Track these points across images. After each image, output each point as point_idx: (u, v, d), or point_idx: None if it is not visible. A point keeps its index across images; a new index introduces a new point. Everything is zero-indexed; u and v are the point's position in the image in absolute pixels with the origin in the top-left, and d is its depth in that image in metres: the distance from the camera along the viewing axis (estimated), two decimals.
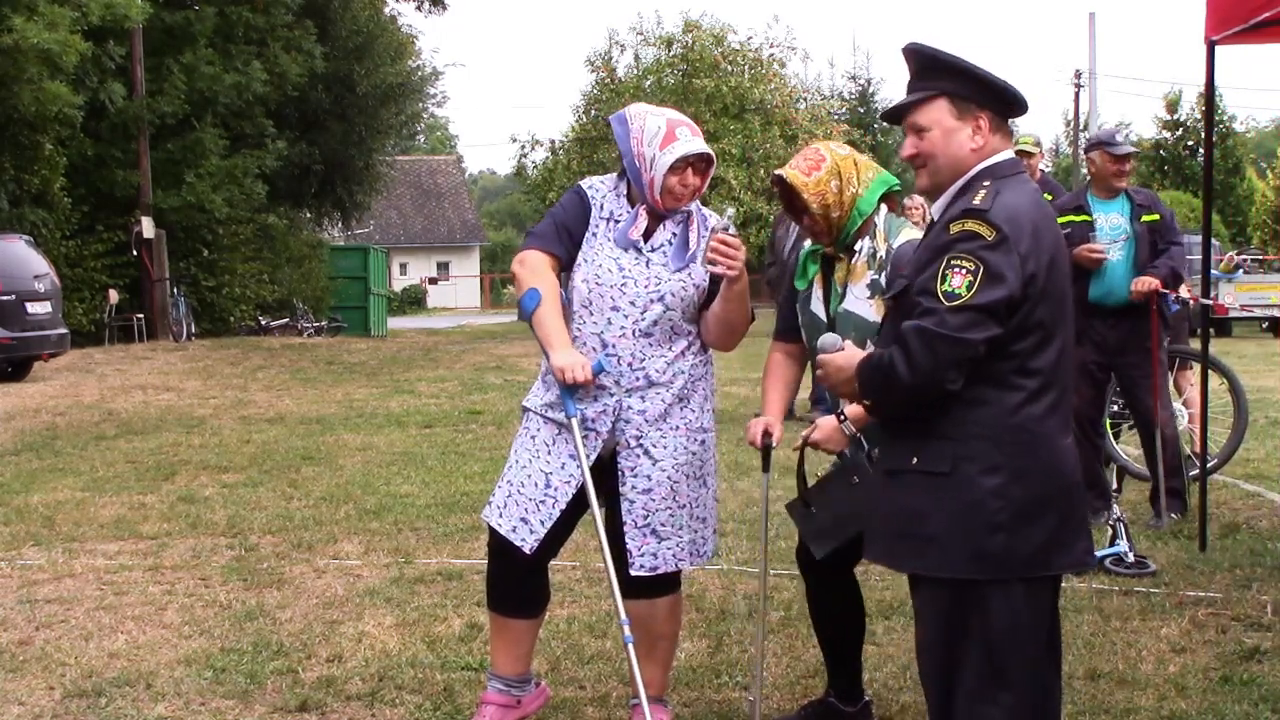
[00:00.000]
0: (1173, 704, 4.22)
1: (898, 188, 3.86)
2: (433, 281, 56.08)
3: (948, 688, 3.01)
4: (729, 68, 31.58)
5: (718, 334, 3.95)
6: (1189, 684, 4.40)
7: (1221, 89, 46.37)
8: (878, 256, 3.77)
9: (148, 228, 22.09)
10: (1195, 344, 7.21)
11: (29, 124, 19.31)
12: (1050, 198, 7.18)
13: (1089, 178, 7.17)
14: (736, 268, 3.73)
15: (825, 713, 4.10)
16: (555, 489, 3.86)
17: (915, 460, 2.97)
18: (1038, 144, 7.94)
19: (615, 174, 4.03)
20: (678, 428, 3.90)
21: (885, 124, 36.24)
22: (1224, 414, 8.13)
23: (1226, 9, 5.91)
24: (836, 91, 48.50)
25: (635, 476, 3.88)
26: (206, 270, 24.32)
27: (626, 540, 3.88)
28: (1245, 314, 24.18)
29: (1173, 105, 46.18)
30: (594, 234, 3.92)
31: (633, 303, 3.84)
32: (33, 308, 15.26)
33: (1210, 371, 6.99)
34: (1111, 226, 6.84)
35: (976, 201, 2.93)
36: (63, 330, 16.08)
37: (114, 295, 21.29)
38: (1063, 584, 3.18)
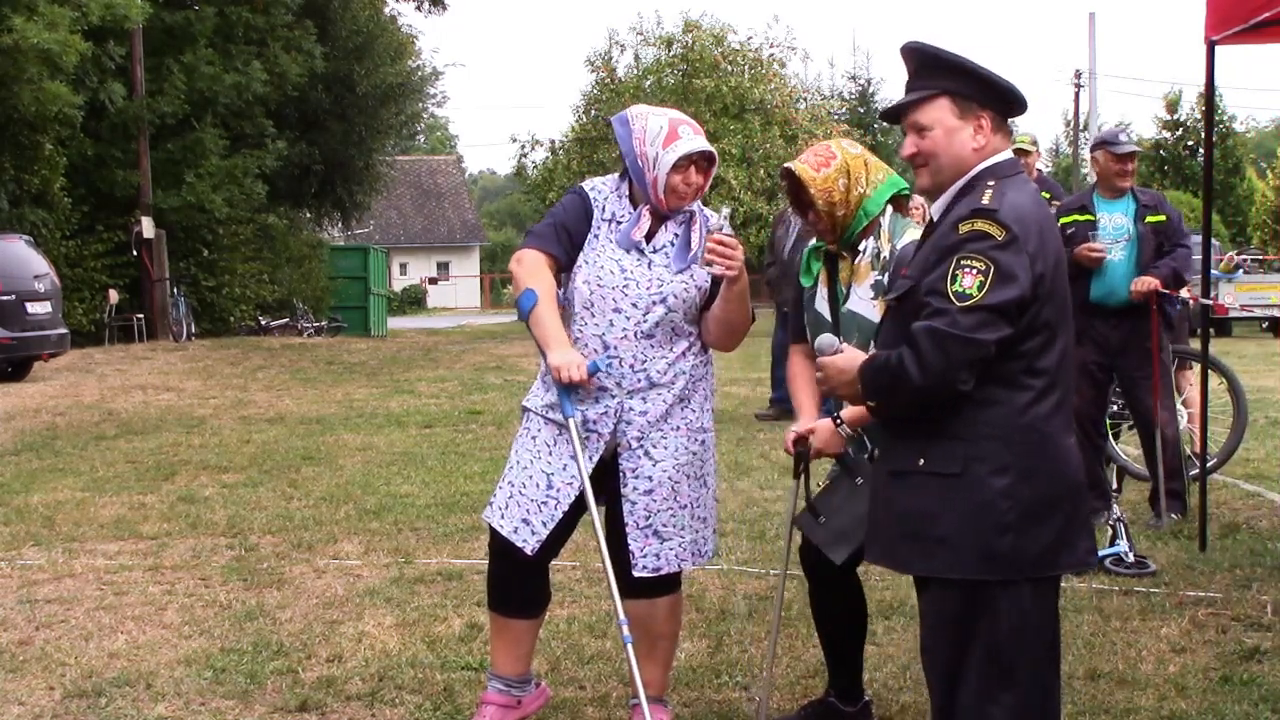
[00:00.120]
0: (1173, 704, 4.22)
1: (906, 192, 3.83)
2: (433, 281, 56.09)
3: (952, 688, 3.00)
4: (729, 68, 31.57)
5: (719, 334, 3.95)
6: (1189, 684, 4.40)
7: (1221, 89, 46.39)
8: (881, 257, 3.77)
9: (148, 228, 22.09)
10: (1195, 344, 7.21)
11: (29, 124, 19.31)
12: (1048, 196, 7.18)
13: (1095, 178, 7.17)
14: (735, 267, 3.72)
15: (825, 712, 4.10)
16: (557, 490, 3.86)
17: (923, 461, 2.95)
18: (1034, 143, 7.94)
19: (617, 175, 4.02)
20: (678, 428, 3.90)
21: (885, 124, 36.29)
22: (1224, 414, 8.13)
23: (1226, 9, 5.91)
24: (836, 91, 48.54)
25: (637, 478, 3.88)
26: (206, 270, 24.32)
27: (629, 542, 3.88)
28: (1245, 314, 24.17)
29: (1173, 105, 46.18)
30: (596, 235, 3.91)
31: (635, 304, 3.84)
32: (33, 308, 15.26)
33: (1210, 371, 7.00)
34: (1115, 227, 6.84)
35: (985, 201, 2.92)
36: (63, 330, 16.08)
37: (114, 295, 21.29)
38: (1063, 584, 3.18)
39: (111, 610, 5.46)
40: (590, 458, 3.87)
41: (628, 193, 3.95)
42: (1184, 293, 7.01)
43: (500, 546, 3.94)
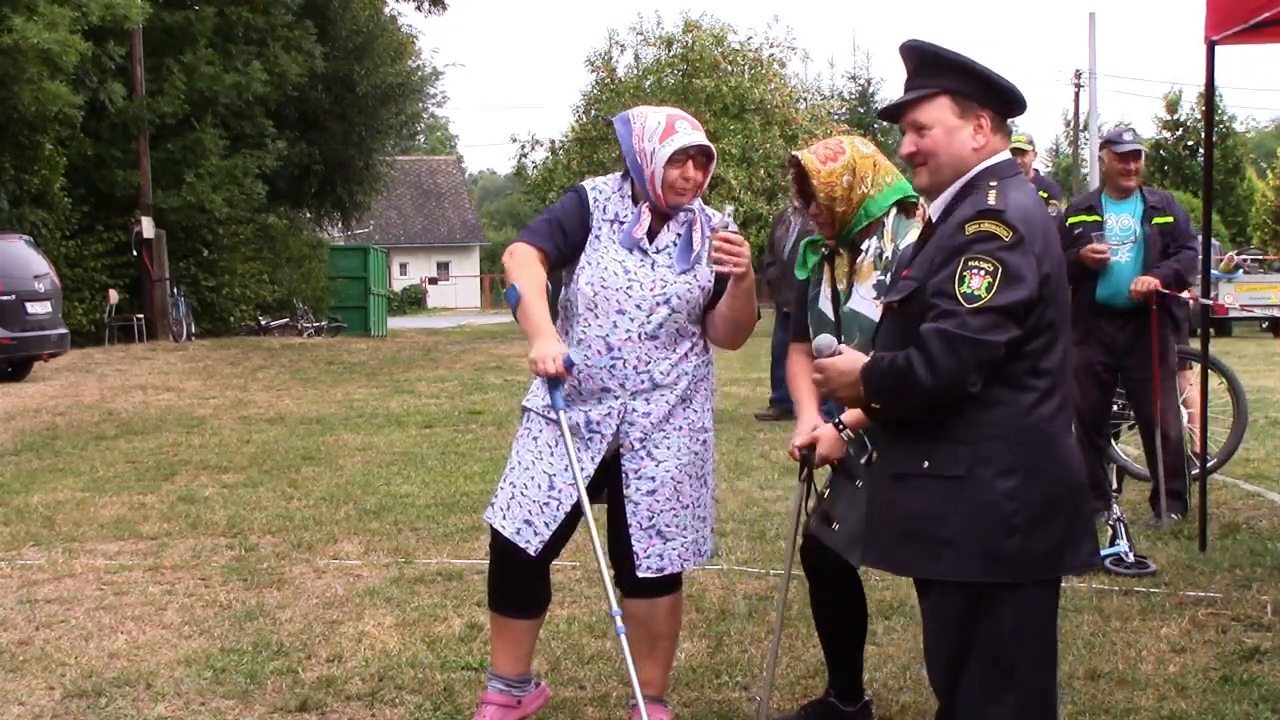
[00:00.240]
0: (1173, 704, 4.22)
1: (914, 199, 3.81)
2: (433, 281, 56.10)
3: (954, 689, 3.00)
4: (729, 68, 31.57)
5: (725, 332, 3.95)
6: (1189, 684, 4.40)
7: (1221, 89, 46.38)
8: (884, 257, 3.76)
9: (148, 228, 22.09)
10: (1195, 344, 7.21)
11: (29, 124, 19.31)
12: (1045, 196, 7.18)
13: (1104, 178, 7.16)
14: (742, 265, 3.72)
15: (825, 712, 4.10)
16: (559, 491, 3.85)
17: (927, 464, 2.94)
18: (1030, 142, 7.94)
19: (619, 175, 4.01)
20: (681, 428, 3.90)
21: (885, 124, 36.28)
22: (1224, 414, 8.13)
23: (1226, 9, 5.91)
24: (836, 91, 48.56)
25: (640, 478, 3.88)
26: (206, 270, 24.32)
27: (632, 542, 3.88)
28: (1245, 314, 24.18)
29: (1173, 105, 46.17)
30: (598, 236, 3.90)
31: (639, 306, 3.83)
32: (33, 308, 15.26)
33: (1210, 371, 6.99)
34: (1122, 228, 6.83)
35: (991, 202, 2.90)
36: (63, 330, 16.08)
37: (114, 295, 21.29)
38: (1063, 584, 3.18)
39: (111, 610, 5.46)
40: (593, 458, 3.87)
41: (630, 192, 3.95)
42: (1184, 293, 7.00)
43: (501, 547, 3.94)
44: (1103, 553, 5.90)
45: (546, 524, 3.86)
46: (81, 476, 8.81)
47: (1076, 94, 42.78)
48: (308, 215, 31.14)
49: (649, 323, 3.84)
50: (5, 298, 14.79)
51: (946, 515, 2.91)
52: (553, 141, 33.77)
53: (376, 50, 27.86)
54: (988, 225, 2.87)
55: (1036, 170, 8.36)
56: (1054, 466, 2.93)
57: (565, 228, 3.90)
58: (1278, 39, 6.40)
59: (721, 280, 3.84)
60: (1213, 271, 8.71)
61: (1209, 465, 6.99)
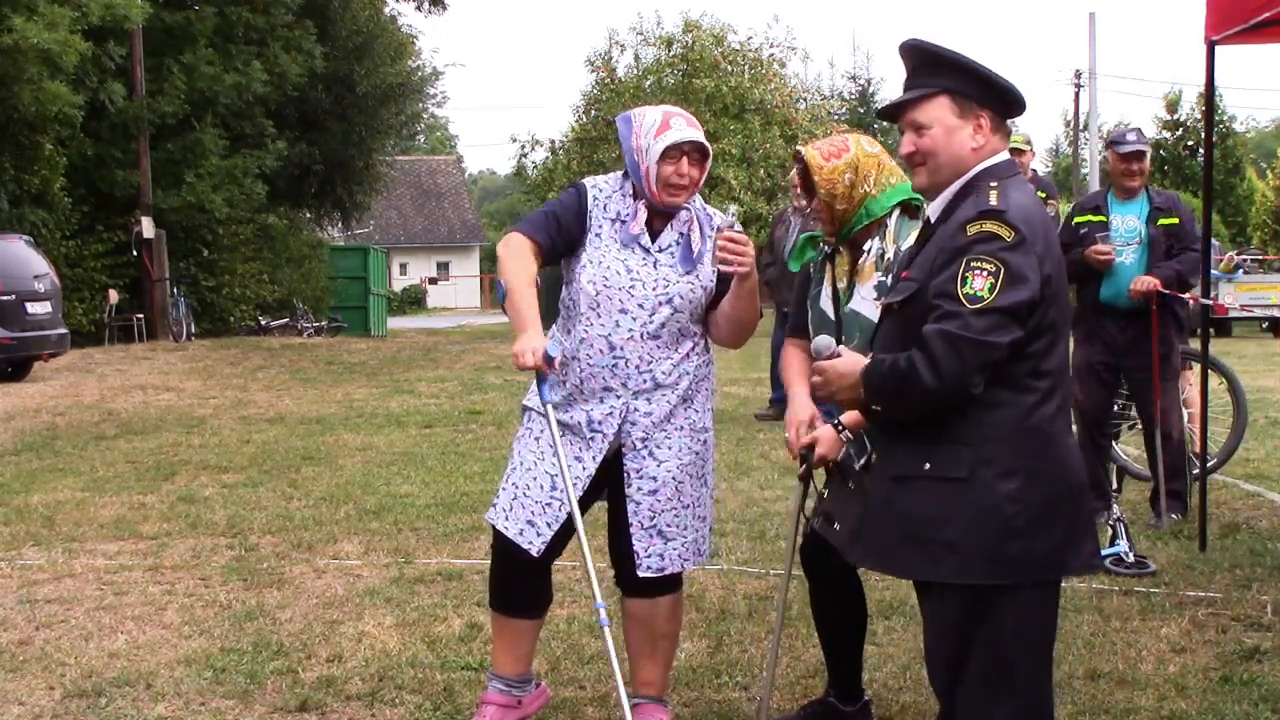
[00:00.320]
0: (1173, 704, 4.22)
1: (918, 202, 3.79)
2: (433, 281, 56.10)
3: (955, 690, 3.00)
4: (729, 68, 31.55)
5: (728, 331, 3.95)
6: (1189, 684, 4.40)
7: (1221, 89, 46.38)
8: (886, 259, 3.76)
9: (148, 228, 22.09)
10: (1195, 344, 7.21)
11: (29, 124, 19.31)
12: (1044, 195, 7.18)
13: (1109, 178, 7.17)
14: (747, 264, 3.72)
15: (825, 712, 4.10)
16: (561, 491, 3.85)
17: (928, 466, 2.92)
18: (1028, 143, 7.95)
19: (620, 174, 4.01)
20: (682, 428, 3.91)
21: (884, 124, 36.24)
22: (1224, 414, 8.13)
23: (1226, 9, 5.91)
24: (836, 91, 48.54)
25: (641, 478, 3.88)
26: (206, 270, 24.32)
27: (633, 542, 3.88)
28: (1245, 314, 24.19)
29: (1173, 105, 46.17)
30: (599, 234, 3.90)
31: (641, 305, 3.84)
32: (33, 308, 15.26)
33: (1210, 371, 6.99)
34: (1127, 229, 6.83)
35: (993, 202, 2.90)
36: (63, 330, 16.08)
37: (114, 295, 21.30)
38: (1062, 584, 3.17)
39: (111, 610, 5.46)
40: (594, 457, 3.87)
41: (630, 191, 3.95)
42: (1185, 294, 7.00)
43: (503, 547, 3.94)
44: (1103, 553, 5.90)
45: (549, 524, 3.86)
46: (81, 476, 8.82)
47: (1076, 94, 42.82)
48: (308, 215, 31.15)
49: (651, 322, 3.84)
50: (5, 298, 14.79)
51: (949, 518, 2.90)
52: (553, 141, 33.76)
53: (376, 50, 27.86)
54: (990, 226, 2.86)
55: (1034, 170, 8.36)
56: (1055, 467, 2.93)
57: (561, 222, 3.90)
58: (1278, 39, 6.40)
59: (724, 280, 3.84)
60: (1213, 272, 8.72)
61: (1209, 465, 7.00)
